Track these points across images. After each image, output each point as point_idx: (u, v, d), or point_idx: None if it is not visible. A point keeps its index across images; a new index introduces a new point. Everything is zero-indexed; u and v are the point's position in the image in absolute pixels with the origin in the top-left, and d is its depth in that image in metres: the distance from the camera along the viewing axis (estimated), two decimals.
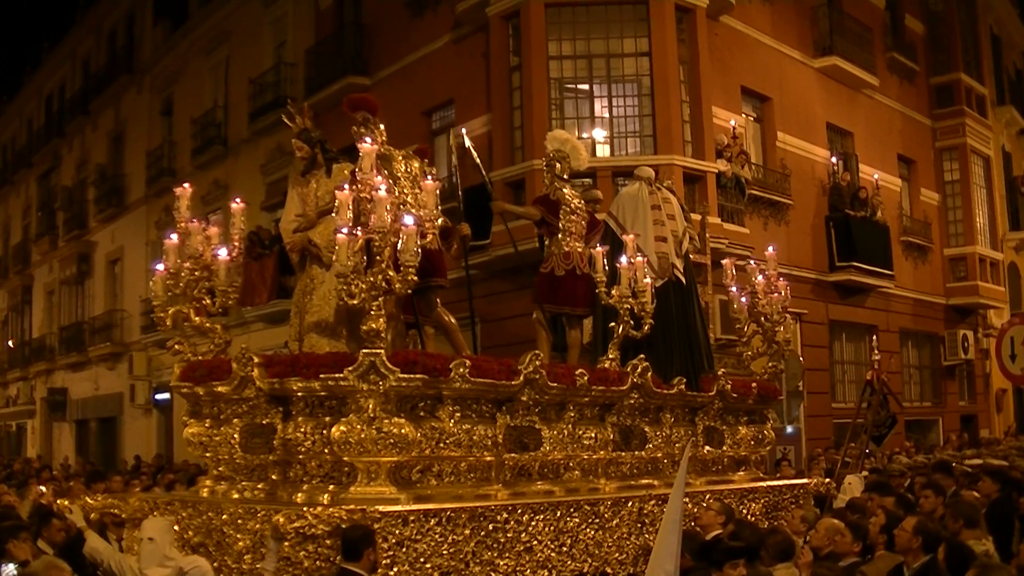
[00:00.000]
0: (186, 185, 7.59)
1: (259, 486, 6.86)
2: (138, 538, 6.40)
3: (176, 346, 7.47)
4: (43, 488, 10.05)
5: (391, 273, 6.12)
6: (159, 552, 6.18)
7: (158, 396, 24.91)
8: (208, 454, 7.31)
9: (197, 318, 7.41)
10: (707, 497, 7.96)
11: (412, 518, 5.86)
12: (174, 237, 7.42)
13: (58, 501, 7.65)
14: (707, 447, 8.98)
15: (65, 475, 15.97)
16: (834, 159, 18.77)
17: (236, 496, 6.90)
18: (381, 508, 5.79)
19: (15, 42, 57.65)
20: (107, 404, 28.38)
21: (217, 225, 7.60)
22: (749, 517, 8.36)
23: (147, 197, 26.24)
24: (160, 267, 7.43)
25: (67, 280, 31.24)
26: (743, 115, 16.69)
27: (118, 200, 28.15)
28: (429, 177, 7.02)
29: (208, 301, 7.39)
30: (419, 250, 6.20)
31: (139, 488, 11.25)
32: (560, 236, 8.64)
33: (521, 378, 7.01)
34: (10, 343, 35.78)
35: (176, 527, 6.74)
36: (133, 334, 26.54)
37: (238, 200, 7.59)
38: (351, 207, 6.20)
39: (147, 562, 6.17)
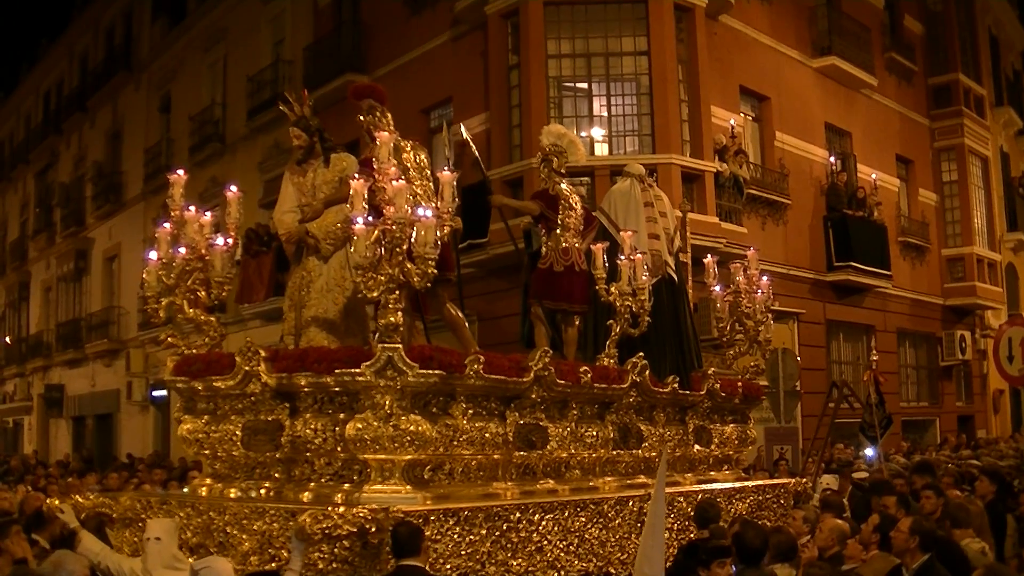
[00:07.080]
0: (180, 172, 7.25)
1: (265, 484, 6.65)
2: (144, 538, 6.09)
3: (168, 339, 7.15)
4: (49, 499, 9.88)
5: (409, 266, 5.96)
6: (167, 552, 5.92)
7: (155, 393, 24.83)
8: (205, 451, 7.05)
9: (191, 310, 7.09)
10: (700, 496, 7.93)
11: (432, 517, 5.72)
12: (167, 225, 7.11)
13: (48, 501, 7.38)
14: (696, 446, 8.97)
15: (62, 472, 15.89)
16: (832, 159, 18.77)
17: (236, 495, 6.68)
18: (404, 507, 5.65)
19: (13, 38, 57.61)
20: (104, 401, 28.34)
21: (213, 216, 7.28)
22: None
23: (144, 194, 26.19)
24: (153, 256, 7.09)
25: (64, 277, 31.19)
26: (741, 114, 16.70)
27: (115, 197, 28.12)
28: (446, 168, 6.78)
29: (203, 293, 7.10)
30: (438, 243, 6.07)
31: (134, 486, 11.13)
32: (558, 231, 8.60)
33: (531, 375, 6.91)
34: (7, 340, 35.73)
35: None
36: (130, 331, 26.49)
37: (233, 188, 7.22)
38: (365, 197, 6.01)
39: (154, 563, 5.90)
